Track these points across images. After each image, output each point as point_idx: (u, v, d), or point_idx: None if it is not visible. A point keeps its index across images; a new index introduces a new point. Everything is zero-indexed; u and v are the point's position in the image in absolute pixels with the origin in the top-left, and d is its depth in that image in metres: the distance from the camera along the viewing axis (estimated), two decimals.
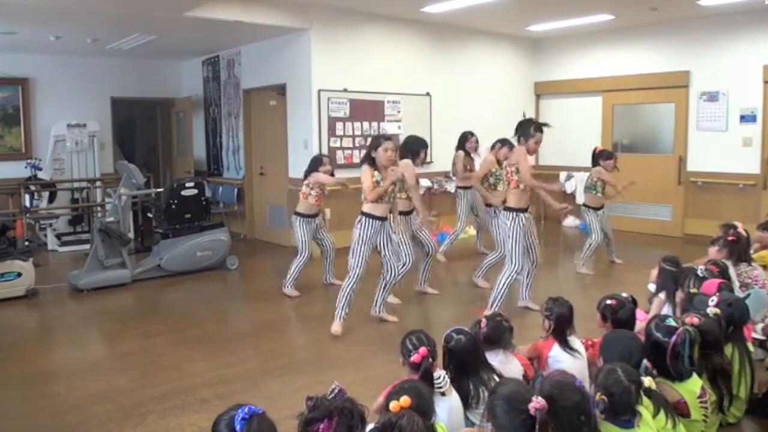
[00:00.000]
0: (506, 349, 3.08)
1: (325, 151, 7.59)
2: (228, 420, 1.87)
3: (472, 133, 7.25)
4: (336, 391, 2.03)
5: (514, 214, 4.99)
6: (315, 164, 6.05)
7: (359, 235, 4.78)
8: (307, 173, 6.01)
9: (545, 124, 5.08)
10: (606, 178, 6.58)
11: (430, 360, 2.62)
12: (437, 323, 4.98)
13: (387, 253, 4.92)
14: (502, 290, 5.01)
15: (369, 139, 7.96)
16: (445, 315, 5.40)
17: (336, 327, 4.82)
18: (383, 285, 5.06)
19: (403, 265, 5.11)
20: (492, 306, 5.00)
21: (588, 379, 3.05)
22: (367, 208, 4.80)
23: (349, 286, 4.82)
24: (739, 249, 4.52)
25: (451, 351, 2.78)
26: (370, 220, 4.77)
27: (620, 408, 2.31)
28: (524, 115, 5.43)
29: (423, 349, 2.62)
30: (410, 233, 5.50)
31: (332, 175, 6.16)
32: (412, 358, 2.63)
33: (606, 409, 2.29)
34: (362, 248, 4.78)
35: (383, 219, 4.85)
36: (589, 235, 6.76)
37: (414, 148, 5.64)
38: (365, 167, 4.78)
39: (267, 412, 1.93)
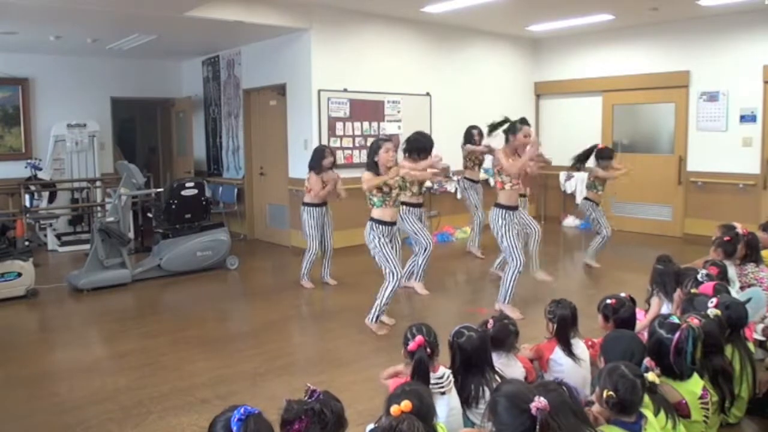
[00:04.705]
0: (510, 351, 3.08)
1: None
2: (225, 421, 1.87)
3: (475, 126, 7.34)
4: (309, 392, 2.05)
5: (505, 211, 5.03)
6: (317, 157, 6.02)
7: (377, 241, 4.77)
8: (311, 167, 6.00)
9: (523, 119, 5.16)
10: (600, 175, 6.57)
11: (427, 350, 2.62)
12: (440, 320, 4.97)
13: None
14: (510, 287, 5.08)
15: (369, 142, 8.09)
16: (447, 313, 5.40)
17: (375, 327, 4.83)
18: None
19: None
20: (504, 301, 5.09)
21: (590, 383, 3.05)
22: (376, 214, 4.80)
23: (389, 289, 4.80)
24: (743, 249, 4.50)
25: (461, 347, 2.76)
26: (381, 225, 4.78)
27: (628, 404, 2.31)
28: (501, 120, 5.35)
29: (419, 338, 2.63)
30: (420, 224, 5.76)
31: (334, 163, 6.10)
32: (408, 347, 2.64)
33: (615, 405, 2.29)
34: (385, 252, 4.77)
35: (393, 224, 4.89)
36: (598, 229, 6.65)
37: (415, 146, 5.61)
38: (366, 174, 4.79)
39: (264, 413, 1.93)
